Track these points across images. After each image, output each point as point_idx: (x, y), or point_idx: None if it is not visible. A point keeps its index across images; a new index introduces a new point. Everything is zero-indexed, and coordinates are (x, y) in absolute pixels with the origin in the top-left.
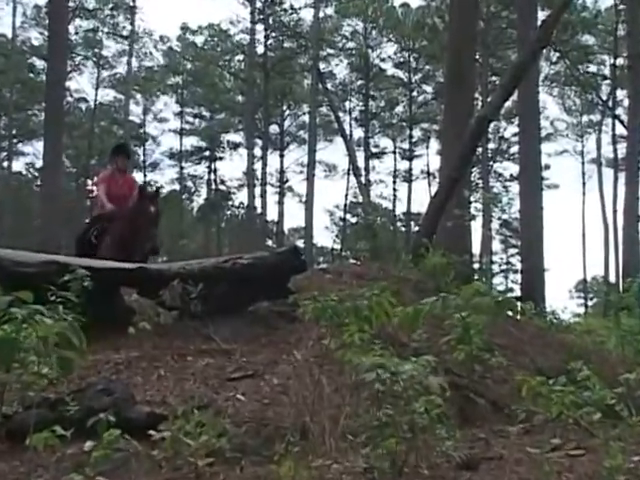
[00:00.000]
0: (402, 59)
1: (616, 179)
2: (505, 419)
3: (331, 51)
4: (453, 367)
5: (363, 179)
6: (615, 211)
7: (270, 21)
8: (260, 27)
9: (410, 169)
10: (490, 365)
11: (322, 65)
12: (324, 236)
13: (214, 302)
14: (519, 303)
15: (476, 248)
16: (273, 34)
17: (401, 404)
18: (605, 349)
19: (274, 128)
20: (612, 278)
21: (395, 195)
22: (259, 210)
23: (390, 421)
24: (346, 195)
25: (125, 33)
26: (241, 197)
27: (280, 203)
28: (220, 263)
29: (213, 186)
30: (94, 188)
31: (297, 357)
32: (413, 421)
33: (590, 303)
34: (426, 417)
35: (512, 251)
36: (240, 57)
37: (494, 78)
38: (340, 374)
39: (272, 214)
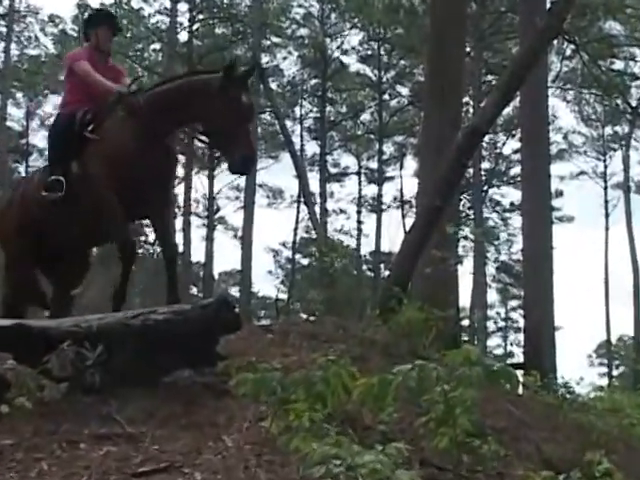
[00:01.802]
0: (370, 51)
1: None
2: None
3: (277, 40)
4: (433, 457)
5: (318, 208)
6: None
7: None
8: (183, 7)
9: (379, 195)
10: (482, 455)
11: (265, 58)
12: (267, 282)
13: (118, 371)
14: (521, 373)
15: (465, 300)
16: (200, 16)
17: None
18: (635, 435)
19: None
20: None
21: (360, 229)
22: (181, 248)
23: None
24: (295, 229)
25: (1, 11)
26: None
27: (209, 239)
28: (127, 319)
29: None
30: (71, 66)
31: (227, 444)
32: None
33: (616, 372)
34: None
35: (513, 303)
36: (157, 46)
37: (490, 77)
38: (284, 466)
39: (198, 253)
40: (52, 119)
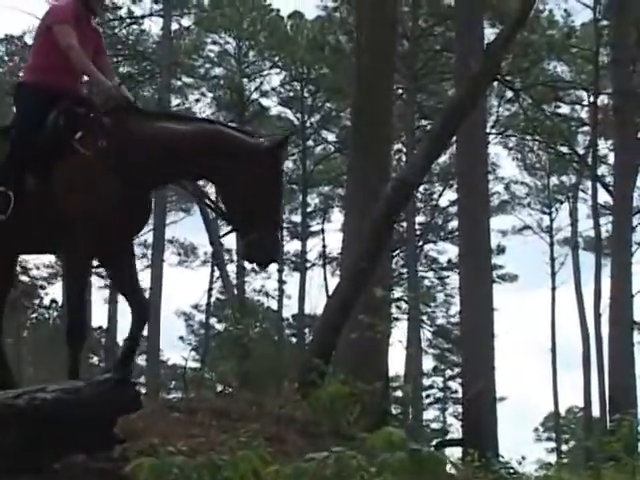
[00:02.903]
0: (292, 93)
1: (599, 268)
2: None
3: (189, 80)
4: None
5: (234, 267)
6: (599, 315)
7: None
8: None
9: (303, 252)
10: None
11: (176, 100)
12: (177, 350)
13: (1, 457)
14: (459, 449)
15: (398, 368)
16: None
17: None
18: None
19: None
20: (596, 411)
21: (282, 290)
22: None
23: None
24: (210, 290)
25: None
26: (53, 293)
27: (112, 302)
28: (10, 399)
29: None
30: (51, 26)
31: None
32: None
33: (565, 447)
34: None
35: (451, 372)
36: None
37: (424, 122)
38: None
39: (100, 318)
40: (16, 88)
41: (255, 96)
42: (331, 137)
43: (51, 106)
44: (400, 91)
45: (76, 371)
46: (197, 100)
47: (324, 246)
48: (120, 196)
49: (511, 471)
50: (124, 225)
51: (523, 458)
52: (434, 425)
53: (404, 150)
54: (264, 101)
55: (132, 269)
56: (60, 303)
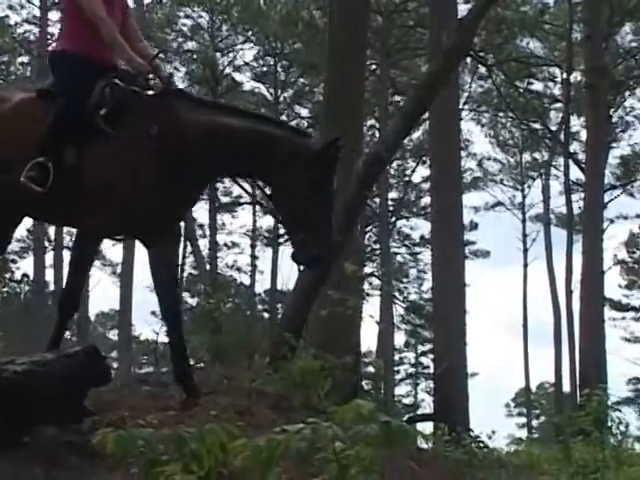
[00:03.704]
0: (265, 68)
1: (571, 244)
2: None
3: (161, 55)
4: None
5: (207, 242)
6: (570, 291)
7: None
8: (55, 16)
9: (276, 227)
10: None
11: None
12: (149, 325)
13: None
14: (431, 424)
15: (369, 344)
16: None
17: None
18: None
19: None
20: (566, 387)
21: (254, 265)
22: (51, 287)
23: None
24: (182, 265)
25: None
26: (25, 267)
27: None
28: None
29: None
30: None
31: None
32: None
33: (535, 422)
34: None
35: (423, 348)
36: (25, 59)
37: (397, 98)
38: None
39: None
40: (54, 57)
41: (228, 71)
42: (304, 112)
43: (95, 78)
44: (373, 67)
45: (59, 341)
46: (170, 74)
47: None
48: (157, 184)
49: (481, 445)
50: (154, 214)
51: (493, 432)
52: (406, 400)
53: (377, 126)
54: (237, 76)
55: (168, 267)
56: (31, 277)
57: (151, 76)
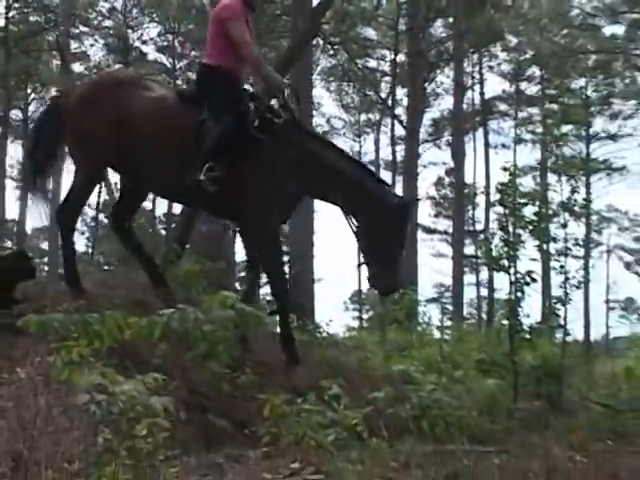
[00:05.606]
0: (166, 43)
1: (394, 182)
2: (251, 442)
3: (85, 29)
4: (200, 386)
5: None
6: None
7: None
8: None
9: None
10: (241, 384)
11: (74, 44)
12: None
13: None
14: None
15: (242, 255)
16: (16, 5)
17: (123, 428)
18: (370, 366)
19: (16, 113)
20: None
21: None
22: None
23: (109, 446)
24: (99, 192)
25: None
26: None
27: (22, 199)
28: None
29: None
30: (226, 21)
31: (21, 376)
32: (134, 446)
33: (366, 316)
34: (151, 441)
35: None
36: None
37: None
38: (69, 395)
39: (12, 212)
40: (211, 70)
41: (137, 44)
42: (194, 77)
43: (242, 93)
44: None
45: None
46: (91, 45)
47: None
48: (285, 196)
49: (321, 331)
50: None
51: (330, 320)
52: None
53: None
54: (144, 48)
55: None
56: None
57: (283, 94)
